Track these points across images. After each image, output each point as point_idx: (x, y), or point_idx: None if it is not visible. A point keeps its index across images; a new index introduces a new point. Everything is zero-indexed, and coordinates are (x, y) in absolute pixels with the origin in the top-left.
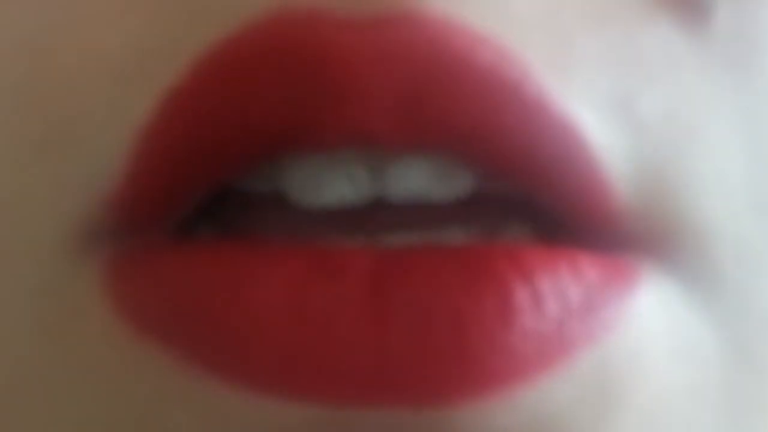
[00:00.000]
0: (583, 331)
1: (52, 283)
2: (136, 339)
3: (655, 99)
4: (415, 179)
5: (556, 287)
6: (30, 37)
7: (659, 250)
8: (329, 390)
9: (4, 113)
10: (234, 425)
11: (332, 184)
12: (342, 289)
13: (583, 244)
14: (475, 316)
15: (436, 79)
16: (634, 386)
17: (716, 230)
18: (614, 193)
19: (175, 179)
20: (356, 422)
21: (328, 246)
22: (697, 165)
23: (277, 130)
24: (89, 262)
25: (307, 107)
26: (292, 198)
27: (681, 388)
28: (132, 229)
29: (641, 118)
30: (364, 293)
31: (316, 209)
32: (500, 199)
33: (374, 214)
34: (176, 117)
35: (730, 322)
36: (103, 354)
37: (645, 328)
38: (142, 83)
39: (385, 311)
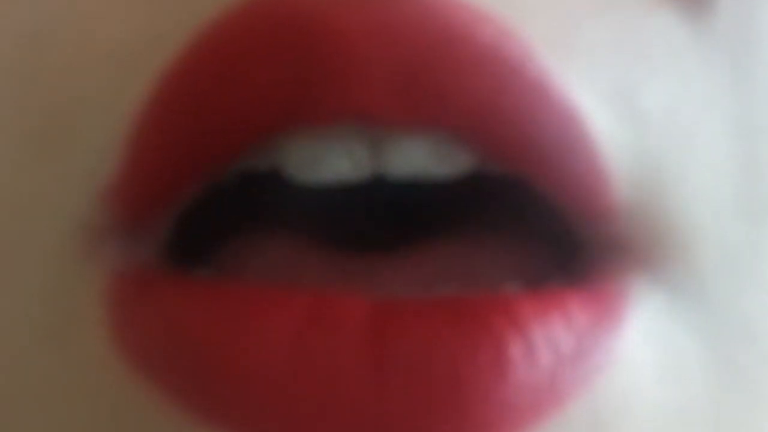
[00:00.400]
0: (575, 378)
1: (53, 287)
2: (132, 372)
3: (656, 91)
4: (414, 158)
5: (549, 337)
6: (26, 26)
7: (646, 259)
8: None
9: (1, 105)
10: None
11: (331, 161)
12: (340, 343)
13: (573, 279)
14: (471, 371)
15: (435, 55)
16: (623, 424)
17: (702, 235)
18: (609, 179)
19: (173, 161)
20: None
21: (326, 290)
22: (690, 165)
23: (275, 107)
24: (91, 269)
25: (305, 83)
26: (290, 177)
27: (670, 411)
28: (135, 221)
29: (642, 109)
30: (362, 347)
31: (314, 187)
32: (497, 192)
33: (375, 262)
34: (173, 98)
35: (716, 336)
36: (98, 380)
37: (634, 365)
38: (138, 68)
39: (383, 366)
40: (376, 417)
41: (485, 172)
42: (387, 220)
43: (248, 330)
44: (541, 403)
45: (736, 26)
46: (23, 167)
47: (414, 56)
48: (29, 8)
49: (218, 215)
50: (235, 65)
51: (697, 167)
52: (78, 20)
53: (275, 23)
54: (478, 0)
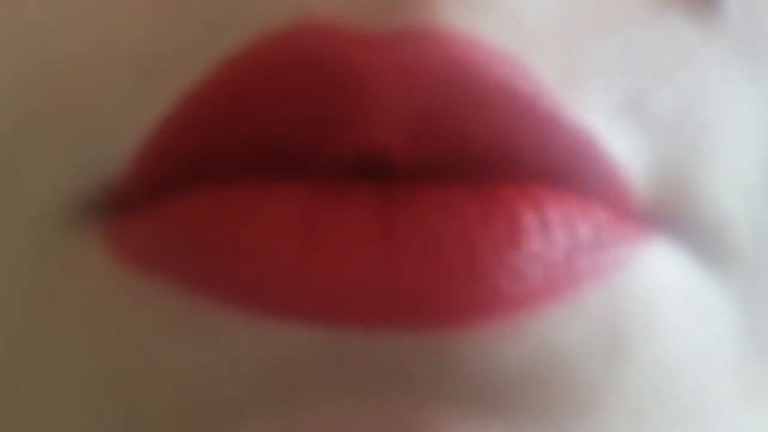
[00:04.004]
0: (592, 265)
1: (51, 244)
2: (137, 278)
3: (668, 96)
4: None
5: (565, 219)
6: (44, 24)
7: (676, 231)
8: (337, 313)
9: (12, 94)
10: (241, 350)
11: None
12: (351, 213)
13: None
14: (485, 239)
15: (450, 96)
16: (644, 337)
17: (733, 220)
18: (632, 196)
19: (181, 179)
20: (363, 345)
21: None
22: (714, 158)
23: (289, 144)
24: (89, 223)
25: (322, 123)
26: None
27: (694, 353)
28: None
29: (655, 116)
30: (373, 217)
31: None
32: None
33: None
34: (187, 125)
35: (745, 303)
36: (102, 295)
37: (658, 281)
38: (159, 82)
39: (394, 234)
40: (385, 287)
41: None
42: None
43: (255, 209)
44: (555, 280)
45: (745, 25)
46: (25, 142)
47: (428, 96)
48: (51, 10)
49: None
50: (251, 99)
51: (720, 161)
52: (101, 25)
53: (293, 61)
54: (490, 34)
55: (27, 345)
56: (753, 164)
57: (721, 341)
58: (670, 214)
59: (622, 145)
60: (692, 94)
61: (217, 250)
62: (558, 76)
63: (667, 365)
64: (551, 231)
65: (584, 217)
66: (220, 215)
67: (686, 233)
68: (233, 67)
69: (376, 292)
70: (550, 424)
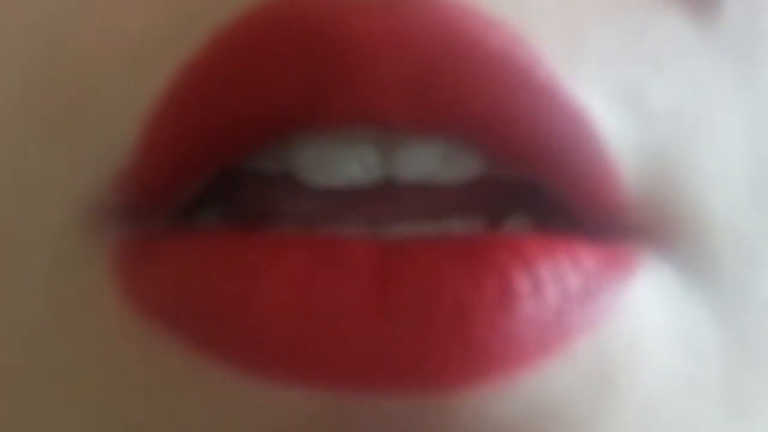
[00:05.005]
0: (582, 318)
1: (62, 265)
2: (145, 326)
3: (664, 89)
4: (424, 162)
5: (555, 275)
6: (45, 18)
7: (659, 240)
8: (334, 379)
9: (17, 93)
10: (240, 413)
11: (342, 165)
12: (348, 281)
13: (582, 232)
14: (477, 304)
15: (447, 61)
16: (631, 374)
17: (718, 223)
18: (620, 180)
19: (186, 156)
20: (360, 410)
21: (333, 234)
22: (703, 157)
23: (288, 108)
24: (99, 244)
25: (320, 87)
26: (302, 179)
27: (680, 378)
28: (143, 206)
29: (649, 107)
30: (369, 284)
31: (325, 190)
32: (505, 185)
33: (379, 202)
34: (188, 95)
35: (729, 315)
36: (112, 340)
37: (643, 316)
38: (155, 63)
39: (390, 302)
40: (384, 351)
41: (492, 179)
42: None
43: (257, 273)
44: (547, 339)
45: (743, 25)
46: (34, 150)
47: (426, 62)
48: (45, 2)
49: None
50: (250, 65)
51: (709, 160)
52: (94, 14)
53: (291, 27)
54: (490, 6)
55: (36, 370)
56: (741, 164)
57: (707, 361)
58: (655, 214)
59: (615, 129)
60: (687, 91)
61: (218, 313)
62: (556, 52)
63: (655, 395)
64: (542, 290)
65: (574, 268)
66: (223, 273)
67: (671, 242)
68: (228, 38)
69: (373, 359)
70: None
